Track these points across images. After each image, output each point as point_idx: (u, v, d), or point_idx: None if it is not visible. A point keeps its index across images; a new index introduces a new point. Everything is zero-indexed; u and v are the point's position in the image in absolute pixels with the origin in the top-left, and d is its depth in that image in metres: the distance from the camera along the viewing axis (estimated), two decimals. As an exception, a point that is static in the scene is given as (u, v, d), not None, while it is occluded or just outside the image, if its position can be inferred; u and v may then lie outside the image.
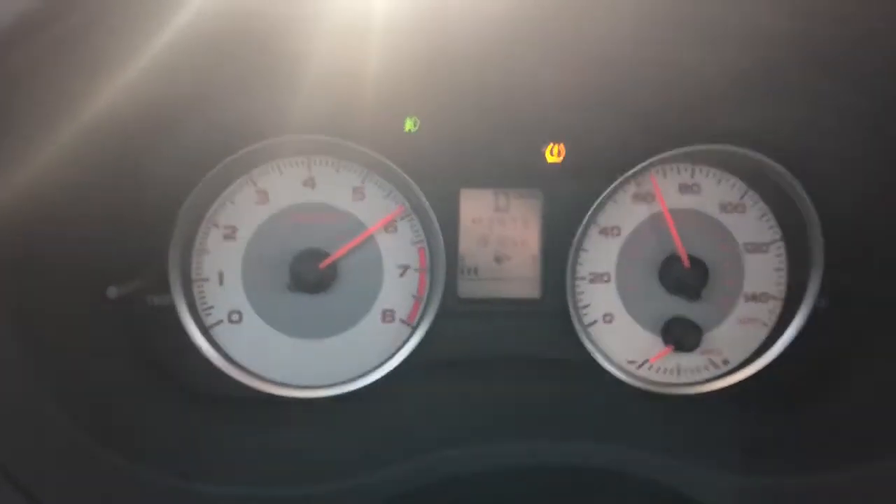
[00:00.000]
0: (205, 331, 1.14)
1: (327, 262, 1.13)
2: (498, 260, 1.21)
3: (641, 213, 1.21)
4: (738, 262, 1.22)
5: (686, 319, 1.20)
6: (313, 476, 0.99)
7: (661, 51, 0.99)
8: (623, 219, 1.21)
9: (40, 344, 0.89)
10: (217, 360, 1.12)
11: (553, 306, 1.19)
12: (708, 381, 1.22)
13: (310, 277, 1.13)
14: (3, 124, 0.78)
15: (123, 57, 0.79)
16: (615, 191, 1.17)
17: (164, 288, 1.10)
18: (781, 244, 1.23)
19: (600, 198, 1.15)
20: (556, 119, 1.14)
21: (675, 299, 1.21)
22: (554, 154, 1.17)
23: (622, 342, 1.22)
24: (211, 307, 1.16)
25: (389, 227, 1.18)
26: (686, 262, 1.17)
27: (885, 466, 0.99)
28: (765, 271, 1.23)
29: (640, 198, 1.21)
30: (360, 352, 1.18)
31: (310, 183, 1.16)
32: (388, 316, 1.19)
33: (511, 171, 1.18)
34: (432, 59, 1.00)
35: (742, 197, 1.22)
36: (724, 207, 1.22)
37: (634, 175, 1.17)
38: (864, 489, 0.99)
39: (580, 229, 1.16)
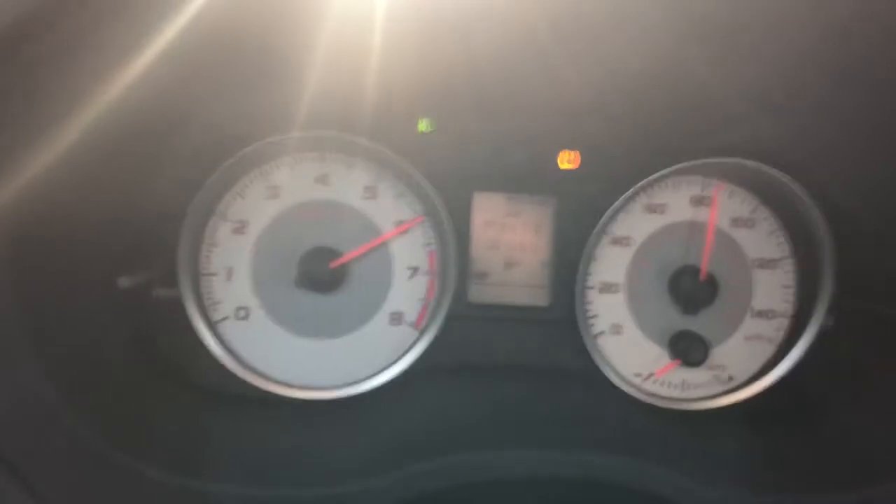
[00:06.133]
0: (211, 326, 1.13)
1: (339, 262, 1.13)
2: (508, 265, 1.20)
3: (653, 224, 1.21)
4: (747, 277, 1.22)
5: (693, 334, 1.20)
6: (316, 478, 0.97)
7: (678, 64, 0.98)
8: (635, 229, 1.21)
9: (48, 338, 0.87)
10: (222, 356, 1.11)
11: (562, 315, 1.19)
12: (713, 397, 1.21)
13: (320, 276, 1.12)
14: (17, 114, 0.77)
15: (137, 50, 0.78)
16: (628, 201, 1.17)
17: (173, 281, 1.09)
18: (791, 261, 1.22)
19: (613, 207, 1.15)
20: (571, 127, 1.14)
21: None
22: (568, 162, 1.16)
23: (629, 354, 1.22)
24: (218, 302, 1.14)
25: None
26: (704, 275, 1.17)
27: (890, 488, 0.99)
28: (773, 288, 1.23)
29: (653, 209, 1.20)
30: (367, 354, 1.17)
31: (322, 180, 1.16)
32: (395, 318, 1.18)
33: (525, 177, 1.17)
34: (449, 61, 0.99)
35: (753, 212, 1.22)
36: (735, 222, 1.22)
37: (647, 186, 1.16)
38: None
39: (592, 238, 1.16)
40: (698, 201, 1.21)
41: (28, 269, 0.86)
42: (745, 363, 1.23)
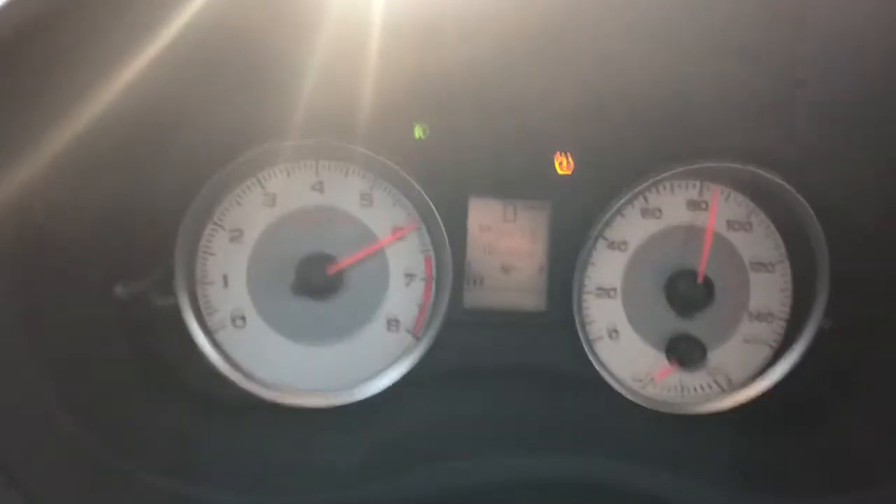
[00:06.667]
0: (208, 334, 1.13)
1: (336, 268, 1.13)
2: (504, 270, 1.20)
3: (649, 228, 1.21)
4: (743, 280, 1.22)
5: (691, 337, 1.20)
6: (315, 485, 0.98)
7: (674, 68, 0.99)
8: (631, 233, 1.21)
9: (45, 344, 0.87)
10: (219, 364, 1.11)
11: (558, 319, 1.18)
12: (711, 399, 1.21)
13: (316, 282, 1.12)
14: (11, 124, 0.78)
15: (131, 57, 0.79)
16: (624, 205, 1.17)
17: (169, 289, 1.09)
18: (787, 264, 1.22)
19: (609, 211, 1.15)
20: (566, 131, 1.14)
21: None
22: (563, 166, 1.17)
23: (627, 358, 1.22)
24: (215, 310, 1.15)
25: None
26: (700, 279, 1.17)
27: (889, 491, 0.99)
28: (770, 291, 1.23)
29: (649, 213, 1.20)
30: (364, 360, 1.17)
31: (318, 187, 1.16)
32: (392, 324, 1.18)
33: (520, 182, 1.17)
34: (443, 66, 0.99)
35: (749, 215, 1.22)
36: (731, 225, 1.22)
37: (643, 190, 1.17)
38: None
39: (588, 242, 1.16)
40: (695, 205, 1.21)
41: (25, 276, 0.86)
42: (743, 366, 1.23)
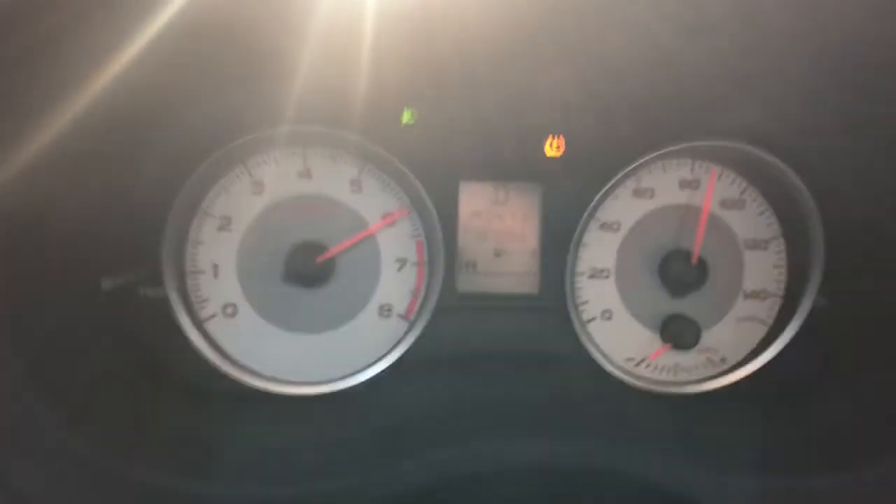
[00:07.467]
0: (199, 324, 1.12)
1: (325, 256, 1.12)
2: (497, 254, 1.20)
3: (642, 208, 1.20)
4: (737, 258, 1.22)
5: (685, 317, 1.19)
6: (310, 474, 0.97)
7: (664, 47, 0.97)
8: (623, 214, 1.20)
9: (32, 339, 0.87)
10: (210, 355, 1.11)
11: (552, 302, 1.18)
12: (706, 379, 1.21)
13: (306, 271, 1.11)
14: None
15: (121, 45, 0.77)
16: (616, 186, 1.16)
17: (158, 280, 1.08)
18: (781, 241, 1.22)
19: (601, 193, 1.14)
20: (556, 113, 1.13)
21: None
22: (554, 148, 1.15)
23: (621, 339, 1.21)
24: (205, 300, 1.14)
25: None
26: (695, 259, 1.16)
27: (885, 467, 0.99)
28: (764, 268, 1.22)
29: (641, 193, 1.19)
30: (357, 347, 1.16)
31: (306, 174, 1.15)
32: (385, 310, 1.18)
33: (511, 165, 1.16)
34: (431, 51, 0.98)
35: (742, 193, 1.21)
36: (724, 203, 1.21)
37: (635, 170, 1.15)
38: (864, 490, 0.99)
39: (580, 224, 1.15)
40: (687, 184, 1.20)
41: (10, 270, 0.85)
42: (738, 344, 1.23)
